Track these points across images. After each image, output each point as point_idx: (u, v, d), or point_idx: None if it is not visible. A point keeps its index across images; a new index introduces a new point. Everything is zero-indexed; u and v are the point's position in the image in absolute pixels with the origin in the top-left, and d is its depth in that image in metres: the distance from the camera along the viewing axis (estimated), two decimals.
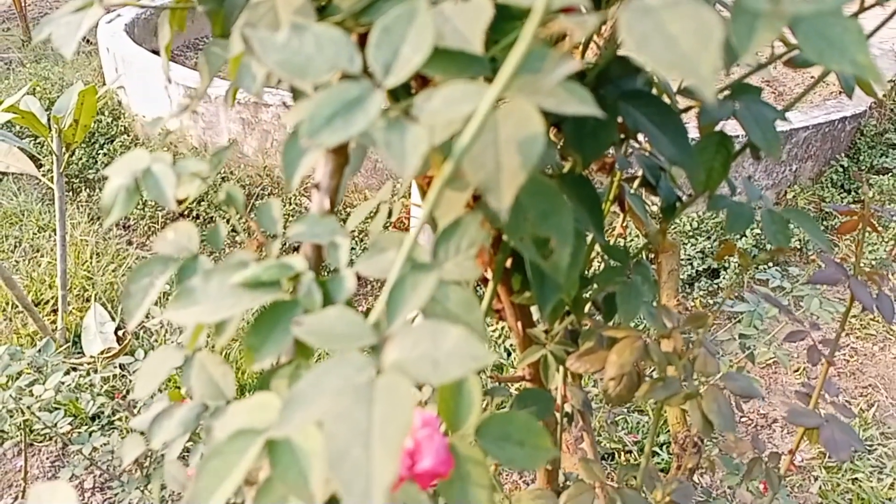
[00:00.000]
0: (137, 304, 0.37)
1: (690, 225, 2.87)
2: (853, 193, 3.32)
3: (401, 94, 0.48)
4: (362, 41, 0.37)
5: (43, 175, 2.50)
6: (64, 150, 2.30)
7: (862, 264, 0.92)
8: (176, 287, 0.35)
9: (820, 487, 2.05)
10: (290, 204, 2.97)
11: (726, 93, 0.50)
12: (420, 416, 0.28)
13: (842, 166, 3.34)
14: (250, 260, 0.34)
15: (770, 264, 2.81)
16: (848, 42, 0.28)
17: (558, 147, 0.48)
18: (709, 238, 2.81)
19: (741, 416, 2.36)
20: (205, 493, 0.28)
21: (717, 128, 0.49)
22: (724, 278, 2.73)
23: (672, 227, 2.93)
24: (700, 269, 2.75)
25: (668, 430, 2.09)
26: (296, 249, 0.44)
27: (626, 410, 2.25)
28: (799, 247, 2.91)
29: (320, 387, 0.25)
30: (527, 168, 0.26)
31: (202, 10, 0.47)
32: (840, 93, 4.42)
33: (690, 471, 1.23)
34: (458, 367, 0.24)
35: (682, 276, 2.77)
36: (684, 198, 0.60)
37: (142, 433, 0.65)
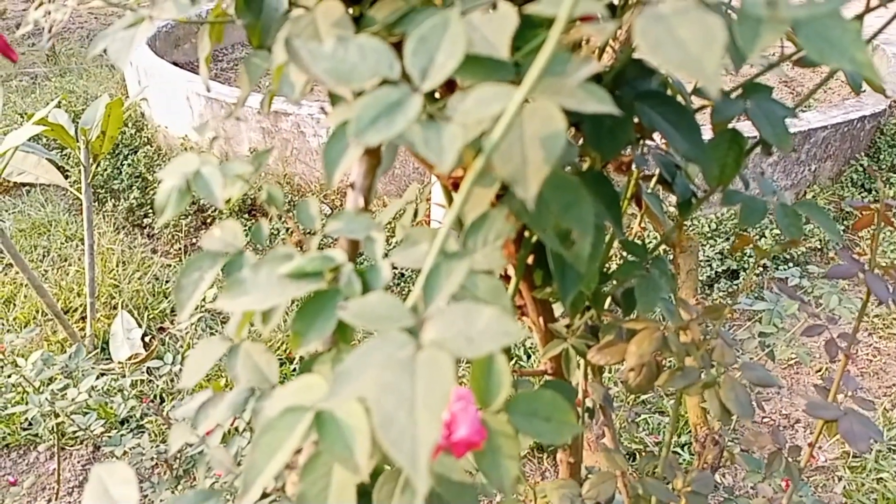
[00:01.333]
0: (188, 296, 0.41)
1: (709, 226, 2.87)
2: (874, 193, 3.29)
3: (426, 99, 0.51)
4: (397, 48, 0.39)
5: (70, 185, 2.57)
6: (91, 160, 2.37)
7: (884, 263, 0.93)
8: (225, 279, 0.38)
9: (844, 487, 2.04)
10: None
11: (739, 91, 0.53)
12: (455, 390, 0.30)
13: (861, 165, 3.32)
14: (294, 253, 0.37)
15: (790, 263, 2.80)
16: (847, 42, 0.30)
17: (578, 146, 0.51)
18: (727, 239, 2.81)
19: (763, 417, 2.35)
20: (260, 464, 0.31)
21: (730, 125, 0.51)
22: (743, 279, 2.73)
23: (690, 228, 2.93)
24: (719, 270, 2.75)
25: (690, 431, 2.09)
26: (328, 247, 0.47)
27: (647, 411, 2.26)
28: (819, 246, 2.90)
29: (366, 362, 0.28)
30: (550, 162, 0.29)
31: (241, 24, 0.50)
32: (860, 91, 4.39)
33: (712, 467, 1.24)
34: (490, 342, 0.27)
35: (701, 278, 2.77)
36: (700, 194, 0.62)
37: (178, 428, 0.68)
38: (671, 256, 1.07)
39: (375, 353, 0.28)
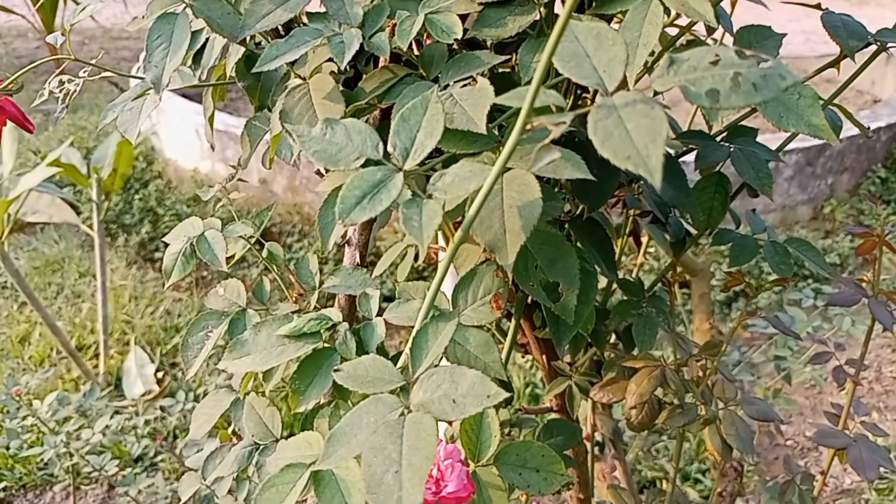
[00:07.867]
0: (195, 354, 0.42)
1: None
2: (894, 204, 3.26)
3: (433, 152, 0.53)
4: (385, 114, 0.41)
5: (82, 222, 2.61)
6: (102, 198, 2.41)
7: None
8: (229, 338, 0.40)
9: None
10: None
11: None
12: (444, 449, 0.32)
13: (879, 177, 3.30)
14: (293, 313, 0.39)
15: (809, 280, 2.78)
16: (803, 107, 0.31)
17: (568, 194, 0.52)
18: None
19: (787, 439, 2.32)
20: None
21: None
22: (761, 298, 2.71)
23: (707, 248, 2.92)
24: (738, 289, 2.73)
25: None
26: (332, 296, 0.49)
27: (666, 438, 2.23)
28: (839, 262, 2.87)
29: (358, 425, 0.29)
30: (528, 229, 0.30)
31: (241, 86, 0.53)
32: (875, 101, 4.36)
33: (731, 496, 1.23)
34: (474, 404, 0.28)
35: (719, 298, 2.74)
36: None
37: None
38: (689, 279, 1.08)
39: (367, 416, 0.30)
